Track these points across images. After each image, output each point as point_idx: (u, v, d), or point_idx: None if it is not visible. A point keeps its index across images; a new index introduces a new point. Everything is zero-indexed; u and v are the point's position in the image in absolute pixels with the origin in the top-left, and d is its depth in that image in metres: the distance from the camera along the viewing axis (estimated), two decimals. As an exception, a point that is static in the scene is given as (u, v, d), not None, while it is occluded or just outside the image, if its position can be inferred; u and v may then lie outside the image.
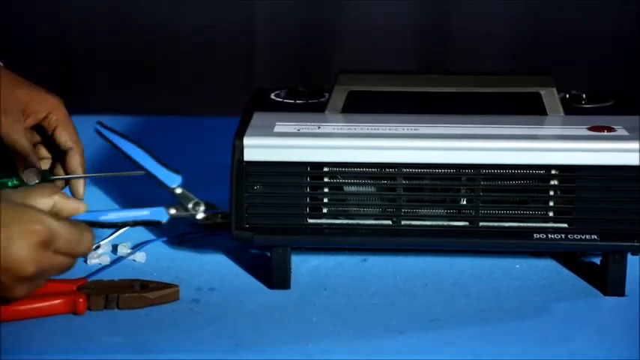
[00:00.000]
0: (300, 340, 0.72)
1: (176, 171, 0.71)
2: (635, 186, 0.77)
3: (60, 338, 0.72)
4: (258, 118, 0.83)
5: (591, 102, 0.87)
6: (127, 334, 0.73)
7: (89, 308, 0.75)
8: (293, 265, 0.81)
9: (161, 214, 0.71)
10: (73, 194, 0.88)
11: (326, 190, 0.79)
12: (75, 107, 0.93)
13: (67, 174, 0.88)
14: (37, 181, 0.85)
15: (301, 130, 0.80)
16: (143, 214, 0.71)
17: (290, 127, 0.81)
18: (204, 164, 1.03)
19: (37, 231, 0.64)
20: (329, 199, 0.79)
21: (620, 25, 1.66)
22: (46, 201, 0.68)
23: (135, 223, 0.71)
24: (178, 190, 0.72)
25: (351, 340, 0.73)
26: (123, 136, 0.73)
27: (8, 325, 0.73)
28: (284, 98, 0.89)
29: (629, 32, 1.66)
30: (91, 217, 0.70)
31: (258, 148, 0.78)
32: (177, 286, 0.78)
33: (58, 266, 0.66)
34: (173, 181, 0.72)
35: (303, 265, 0.83)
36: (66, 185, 0.89)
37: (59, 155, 0.88)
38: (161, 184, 0.72)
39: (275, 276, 0.80)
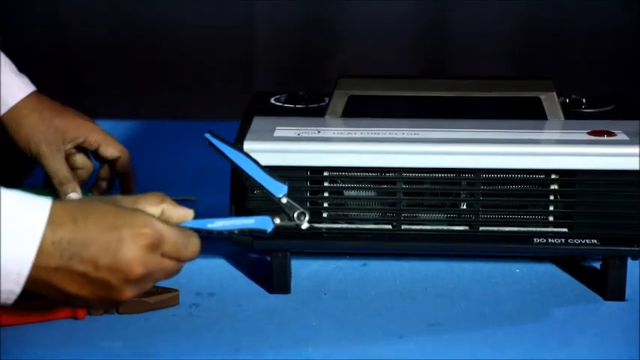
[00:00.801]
0: (300, 344, 0.73)
1: (283, 181, 0.73)
2: (635, 191, 0.77)
3: (60, 343, 0.72)
4: (258, 122, 0.83)
5: (591, 106, 0.87)
6: (126, 339, 0.73)
7: (89, 313, 0.75)
8: (293, 270, 0.81)
9: (266, 223, 0.72)
10: (124, 188, 0.93)
11: (326, 194, 0.79)
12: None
13: (115, 175, 0.93)
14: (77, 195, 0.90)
15: (301, 135, 0.80)
16: (249, 222, 0.72)
17: (290, 132, 0.81)
18: (204, 169, 1.03)
19: (146, 234, 0.66)
20: (329, 204, 0.79)
21: (620, 26, 1.66)
22: (155, 208, 0.70)
23: (241, 232, 0.71)
24: (284, 200, 0.73)
25: (351, 344, 0.73)
26: (232, 145, 0.74)
27: (9, 330, 0.73)
28: (284, 103, 0.89)
29: (629, 34, 1.66)
30: (198, 225, 0.70)
31: (258, 153, 0.78)
32: (177, 290, 0.78)
33: (165, 269, 0.67)
34: (279, 191, 0.73)
35: (303, 270, 0.83)
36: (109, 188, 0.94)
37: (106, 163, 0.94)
38: (268, 194, 0.73)
39: (275, 280, 0.80)
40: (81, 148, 0.93)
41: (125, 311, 0.76)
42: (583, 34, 1.67)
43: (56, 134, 0.90)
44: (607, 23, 1.66)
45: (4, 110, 0.90)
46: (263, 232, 0.73)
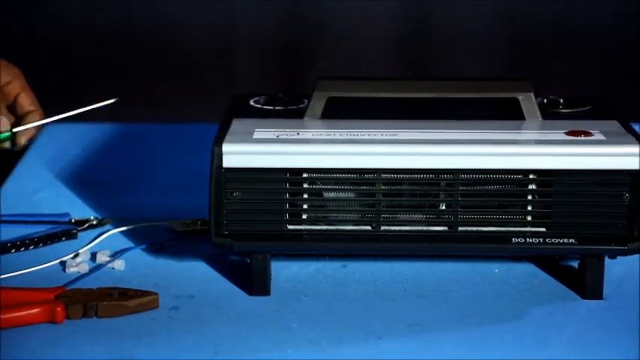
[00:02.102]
0: (280, 346, 0.73)
1: None
2: (612, 190, 0.78)
3: (38, 348, 0.72)
4: (237, 124, 0.83)
5: (569, 107, 0.87)
6: (105, 343, 0.73)
7: (67, 317, 0.75)
8: (273, 272, 0.81)
9: None
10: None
11: (305, 196, 0.79)
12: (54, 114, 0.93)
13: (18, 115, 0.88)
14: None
15: (280, 137, 0.80)
16: None
17: (269, 134, 0.81)
18: (183, 171, 1.03)
19: None
20: (308, 205, 0.79)
21: (598, 27, 1.67)
22: None
23: None
24: None
25: (331, 346, 0.73)
26: None
27: (-15, 335, 0.73)
28: (263, 105, 0.89)
29: (607, 35, 1.68)
30: None
31: (237, 155, 0.78)
32: (156, 293, 0.78)
33: None
34: None
35: (283, 272, 0.83)
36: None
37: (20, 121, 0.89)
38: None
39: (255, 282, 0.80)
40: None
41: (104, 315, 0.76)
42: (563, 35, 1.68)
43: None
44: (586, 25, 1.68)
45: None
46: None
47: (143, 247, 0.88)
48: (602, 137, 0.79)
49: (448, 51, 1.69)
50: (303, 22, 1.67)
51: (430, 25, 1.69)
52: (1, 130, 0.86)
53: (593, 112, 0.86)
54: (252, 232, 0.79)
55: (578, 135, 0.80)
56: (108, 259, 0.86)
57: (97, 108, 0.80)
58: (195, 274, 0.83)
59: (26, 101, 0.88)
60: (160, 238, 0.89)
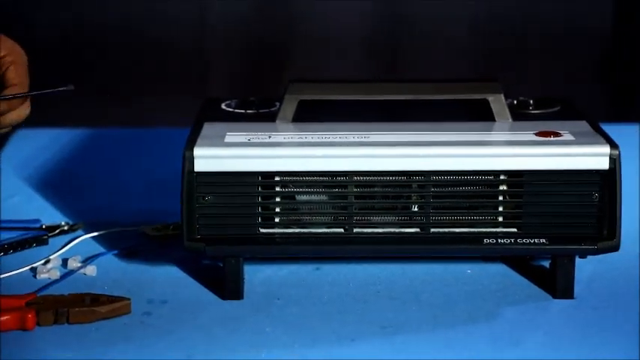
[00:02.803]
0: (254, 350, 0.73)
1: None
2: (581, 190, 0.78)
3: (8, 355, 0.71)
4: (208, 128, 0.83)
5: (538, 108, 0.88)
6: (77, 349, 0.72)
7: (38, 324, 0.75)
8: (246, 276, 0.81)
9: None
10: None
11: (278, 199, 0.79)
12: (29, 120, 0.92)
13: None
14: None
15: (252, 140, 0.80)
16: None
17: (241, 137, 0.81)
18: (155, 175, 1.03)
19: None
20: (281, 209, 0.80)
21: (569, 29, 1.69)
22: None
23: None
24: None
25: (304, 348, 0.73)
26: None
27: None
28: (234, 108, 0.89)
29: (577, 37, 1.69)
30: None
31: (208, 159, 0.78)
32: (128, 299, 0.78)
33: None
34: None
35: (256, 275, 0.83)
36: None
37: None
38: None
39: (227, 287, 0.80)
40: None
41: (75, 321, 0.75)
42: (534, 35, 1.70)
43: None
44: (557, 26, 1.69)
45: None
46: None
47: (115, 252, 0.87)
48: (571, 137, 0.80)
49: (421, 51, 1.70)
50: (276, 22, 1.67)
51: (403, 25, 1.69)
52: None
53: (563, 113, 0.87)
54: (225, 236, 0.79)
55: (547, 136, 0.81)
56: (79, 264, 0.85)
57: (52, 93, 0.76)
58: (167, 279, 0.83)
59: (11, 74, 0.83)
60: (132, 244, 0.89)
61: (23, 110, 0.83)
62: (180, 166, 0.78)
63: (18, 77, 0.83)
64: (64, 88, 0.77)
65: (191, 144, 0.79)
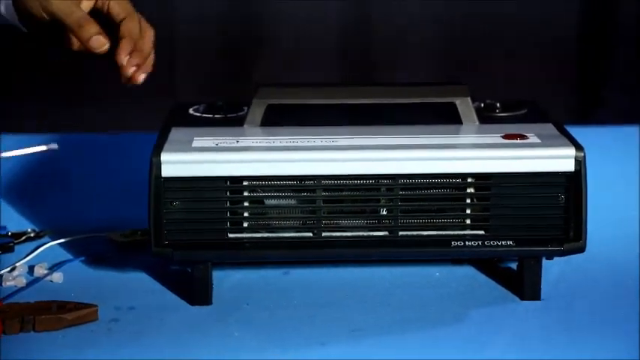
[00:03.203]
0: (222, 356, 0.73)
1: None
2: (547, 192, 0.79)
3: (-26, 364, 0.71)
4: (176, 133, 0.83)
5: (505, 111, 0.89)
6: (44, 357, 0.72)
7: (4, 332, 0.74)
8: (214, 281, 0.81)
9: None
10: (116, 56, 0.81)
11: (246, 204, 0.79)
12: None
13: (123, 37, 0.80)
14: (106, 46, 0.78)
15: (220, 145, 0.80)
16: None
17: (208, 142, 0.81)
18: (122, 181, 1.02)
19: None
20: (249, 213, 0.80)
21: (537, 33, 1.70)
22: None
23: None
24: None
25: (274, 353, 0.73)
26: None
27: None
28: (202, 113, 0.89)
29: (547, 39, 1.71)
30: None
31: (176, 164, 0.78)
32: (95, 306, 0.77)
33: None
34: None
35: (225, 280, 0.83)
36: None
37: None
38: None
39: (196, 292, 0.80)
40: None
41: (42, 329, 0.75)
42: (501, 38, 1.71)
43: None
44: (524, 28, 1.71)
45: None
46: None
47: (82, 259, 0.87)
48: (537, 140, 0.81)
49: (390, 53, 1.70)
50: (245, 25, 1.67)
51: (372, 27, 1.70)
52: (101, 49, 0.78)
53: (529, 116, 0.88)
54: (193, 241, 0.79)
55: (514, 138, 0.81)
56: (46, 271, 0.85)
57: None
58: (135, 286, 0.83)
59: (116, 9, 0.81)
60: (99, 250, 0.88)
61: (149, 30, 0.82)
62: (147, 172, 0.78)
63: (125, 9, 0.81)
64: (50, 147, 0.76)
65: (158, 149, 0.79)
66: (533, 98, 0.92)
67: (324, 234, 0.79)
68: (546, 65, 1.71)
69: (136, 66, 0.82)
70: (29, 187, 1.03)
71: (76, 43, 0.82)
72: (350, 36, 1.70)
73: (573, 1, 1.69)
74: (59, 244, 0.90)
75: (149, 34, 0.83)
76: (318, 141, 0.81)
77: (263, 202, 0.80)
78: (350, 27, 1.70)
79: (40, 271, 0.85)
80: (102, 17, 0.82)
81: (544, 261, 0.81)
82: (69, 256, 0.87)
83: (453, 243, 0.79)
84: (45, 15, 0.80)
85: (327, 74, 1.65)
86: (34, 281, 0.83)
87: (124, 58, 0.81)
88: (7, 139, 1.12)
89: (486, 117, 0.87)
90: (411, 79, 1.65)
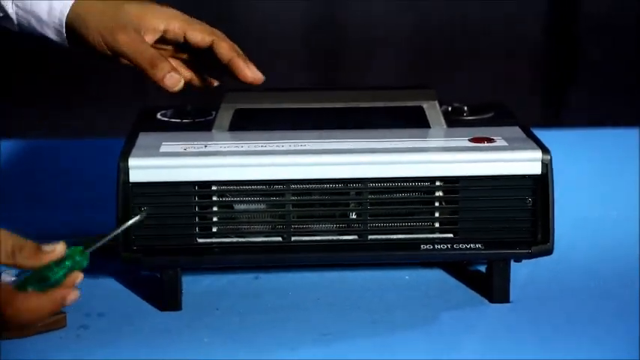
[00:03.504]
0: (193, 361, 0.73)
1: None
2: (515, 195, 0.80)
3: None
4: (143, 138, 0.83)
5: (472, 114, 0.90)
6: (12, 365, 0.72)
7: (-28, 340, 0.74)
8: (184, 286, 0.81)
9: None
10: (240, 76, 0.80)
11: (215, 209, 0.79)
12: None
13: (222, 62, 0.80)
14: (181, 83, 0.77)
15: (188, 150, 0.80)
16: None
17: (176, 147, 0.81)
18: (90, 187, 1.02)
19: None
20: (218, 218, 0.80)
21: (507, 37, 1.72)
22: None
23: None
24: None
25: (244, 358, 0.73)
26: None
27: None
28: (170, 118, 0.89)
29: (515, 43, 1.72)
30: None
31: (144, 169, 0.78)
32: (64, 312, 0.77)
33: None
34: None
35: (195, 286, 0.83)
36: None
37: (203, 58, 0.81)
38: None
39: (166, 298, 0.80)
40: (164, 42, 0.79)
41: (9, 336, 0.74)
42: (468, 41, 1.72)
43: (130, 20, 0.77)
44: (491, 31, 1.72)
45: (66, 11, 0.77)
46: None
47: (50, 265, 0.86)
48: (504, 143, 0.82)
49: (357, 56, 1.71)
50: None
51: (340, 30, 1.70)
52: (176, 87, 0.76)
53: (496, 119, 0.89)
54: (162, 246, 0.79)
55: (481, 142, 0.82)
56: (13, 278, 0.84)
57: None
58: (104, 292, 0.83)
59: (197, 36, 0.79)
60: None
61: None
62: (114, 177, 0.77)
63: (207, 31, 0.80)
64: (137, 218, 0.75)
65: (126, 154, 0.79)
66: (501, 101, 0.93)
67: (293, 238, 0.80)
68: (513, 67, 1.72)
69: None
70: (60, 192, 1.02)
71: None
72: (317, 38, 1.70)
73: (539, 1, 1.71)
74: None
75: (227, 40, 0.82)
76: (286, 145, 0.81)
77: (232, 207, 0.80)
78: (316, 28, 1.70)
79: (7, 278, 0.83)
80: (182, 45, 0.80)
81: (513, 263, 0.81)
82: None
83: (422, 246, 0.80)
84: (109, 52, 0.79)
85: (295, 77, 1.65)
86: (0, 289, 0.82)
87: (249, 75, 0.81)
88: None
89: (454, 120, 0.87)
90: (379, 82, 1.65)
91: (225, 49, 0.80)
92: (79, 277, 0.68)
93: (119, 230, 0.72)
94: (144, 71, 0.78)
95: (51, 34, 0.80)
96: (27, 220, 0.95)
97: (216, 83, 0.86)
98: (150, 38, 0.80)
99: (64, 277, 0.67)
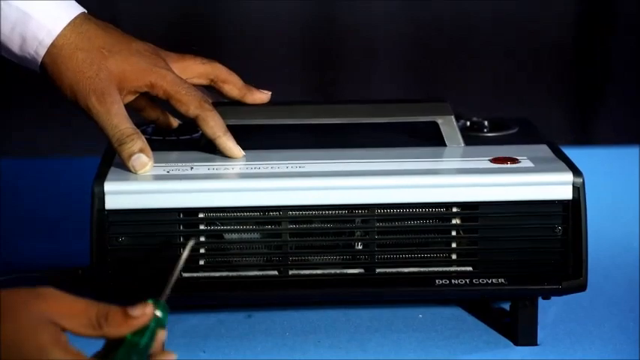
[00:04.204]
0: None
1: None
2: (542, 223, 0.76)
3: None
4: (121, 159, 0.80)
5: (493, 130, 0.87)
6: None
7: None
8: (168, 326, 0.78)
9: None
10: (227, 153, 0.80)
11: (202, 239, 0.76)
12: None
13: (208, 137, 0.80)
14: (148, 167, 0.76)
15: (171, 172, 0.77)
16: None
17: (158, 169, 0.78)
18: (62, 212, 1.00)
19: None
20: (206, 250, 0.77)
21: (523, 44, 1.70)
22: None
23: None
24: None
25: (234, 411, 0.71)
26: None
27: None
28: (151, 135, 0.86)
29: (531, 51, 1.70)
30: None
31: (121, 195, 0.75)
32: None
33: None
34: None
35: (179, 325, 0.81)
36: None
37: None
38: None
39: (146, 340, 0.77)
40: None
41: None
42: (488, 49, 1.70)
43: (109, 82, 0.77)
44: (511, 34, 1.70)
45: (41, 52, 0.76)
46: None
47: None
48: (530, 164, 0.79)
49: (358, 56, 1.70)
50: (200, 37, 1.65)
51: (340, 37, 1.70)
52: (141, 170, 0.77)
53: (521, 136, 0.86)
54: (142, 282, 0.75)
55: (504, 162, 0.79)
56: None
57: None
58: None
59: (183, 108, 0.79)
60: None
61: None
62: (89, 202, 0.75)
63: (193, 103, 0.80)
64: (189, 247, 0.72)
65: (101, 178, 0.76)
66: (524, 115, 0.90)
67: (291, 272, 0.77)
68: (538, 77, 1.70)
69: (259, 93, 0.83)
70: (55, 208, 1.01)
71: None
72: (314, 46, 1.70)
73: (566, 4, 1.69)
74: (-9, 284, 0.86)
75: (233, 77, 0.84)
76: (283, 167, 0.78)
77: (222, 237, 0.77)
78: (313, 35, 1.70)
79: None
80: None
81: (540, 301, 0.78)
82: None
83: (437, 281, 0.77)
84: (79, 110, 0.78)
85: (290, 89, 1.64)
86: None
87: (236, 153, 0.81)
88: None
89: (472, 137, 0.84)
90: (384, 95, 1.64)
91: (211, 127, 0.80)
92: (164, 335, 0.66)
93: (180, 266, 0.70)
94: (111, 145, 0.78)
95: (24, 63, 0.79)
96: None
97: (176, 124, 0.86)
98: (128, 98, 0.79)
99: (153, 339, 0.65)
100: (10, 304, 0.61)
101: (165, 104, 0.81)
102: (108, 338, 0.64)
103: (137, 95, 0.80)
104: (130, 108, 0.80)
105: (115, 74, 0.77)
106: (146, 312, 0.64)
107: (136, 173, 0.77)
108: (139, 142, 0.77)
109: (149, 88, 0.79)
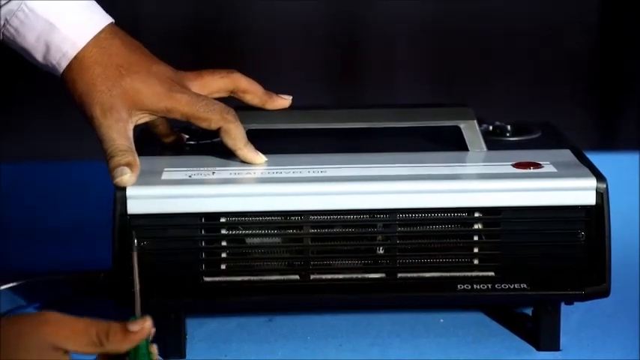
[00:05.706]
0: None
1: None
2: (566, 228, 0.77)
3: None
4: (143, 163, 0.80)
5: (516, 134, 0.88)
6: None
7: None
8: (188, 331, 0.79)
9: None
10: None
11: (224, 243, 0.78)
12: None
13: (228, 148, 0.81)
14: (129, 183, 0.76)
15: (193, 177, 0.78)
16: None
17: (180, 174, 0.79)
18: (84, 216, 1.01)
19: None
20: (228, 254, 0.78)
21: (546, 48, 1.70)
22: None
23: None
24: None
25: (256, 416, 0.72)
26: None
27: None
28: (192, 139, 0.87)
29: (554, 55, 1.70)
30: None
31: (143, 200, 0.76)
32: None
33: None
34: None
35: (200, 330, 0.82)
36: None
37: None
38: None
39: (168, 344, 0.78)
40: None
41: None
42: (507, 54, 1.70)
43: (120, 100, 0.78)
44: (534, 38, 1.70)
45: (64, 64, 0.78)
46: None
47: (37, 305, 0.85)
48: (552, 169, 0.80)
49: (380, 69, 1.70)
50: (217, 39, 1.66)
51: (361, 41, 1.70)
52: (120, 183, 0.77)
53: (543, 141, 0.87)
54: (164, 287, 0.77)
55: (526, 167, 0.80)
56: (-5, 321, 0.83)
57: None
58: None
59: (200, 124, 0.81)
60: (57, 295, 0.86)
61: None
62: (111, 207, 0.76)
63: (218, 124, 0.81)
64: None
65: (123, 182, 0.77)
66: (547, 119, 0.91)
67: (312, 277, 0.78)
68: (561, 81, 1.70)
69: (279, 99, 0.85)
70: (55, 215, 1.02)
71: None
72: (335, 50, 1.70)
73: (590, 7, 1.69)
74: (10, 288, 0.87)
75: (253, 87, 0.85)
76: (304, 171, 0.79)
77: (243, 241, 0.78)
78: (335, 38, 1.70)
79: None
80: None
81: (563, 306, 0.79)
82: (22, 302, 0.86)
83: (459, 286, 0.78)
84: (86, 119, 0.80)
85: (311, 94, 1.64)
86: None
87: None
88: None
89: (495, 142, 0.85)
90: (406, 100, 1.64)
91: (232, 139, 0.81)
92: (154, 347, 0.68)
93: (137, 280, 0.71)
94: (104, 157, 0.79)
95: (45, 69, 0.81)
96: (7, 255, 0.95)
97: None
98: (143, 119, 0.81)
99: (150, 353, 0.67)
100: (14, 334, 0.63)
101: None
102: (110, 353, 0.66)
103: (155, 118, 0.81)
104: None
105: (129, 94, 0.79)
106: (145, 326, 0.66)
107: (113, 182, 0.77)
108: (130, 157, 0.78)
109: (165, 113, 0.80)
